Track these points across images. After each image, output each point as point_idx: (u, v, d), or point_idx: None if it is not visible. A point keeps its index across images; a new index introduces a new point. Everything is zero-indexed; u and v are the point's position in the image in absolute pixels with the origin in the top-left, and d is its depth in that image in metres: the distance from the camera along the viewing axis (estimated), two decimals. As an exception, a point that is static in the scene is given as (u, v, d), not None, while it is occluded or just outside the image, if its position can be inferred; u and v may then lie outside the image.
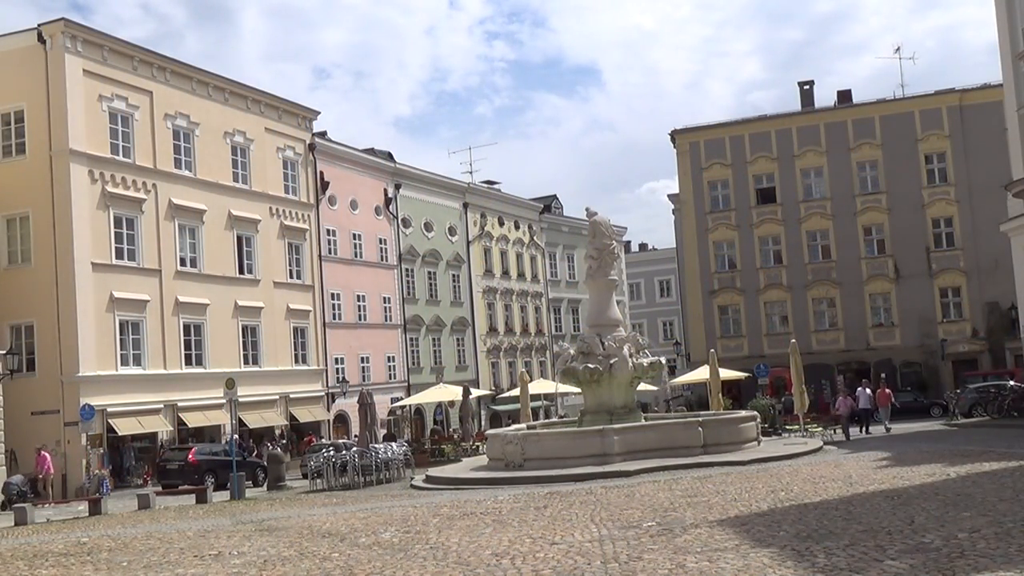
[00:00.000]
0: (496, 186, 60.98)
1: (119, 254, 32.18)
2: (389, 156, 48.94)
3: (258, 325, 37.78)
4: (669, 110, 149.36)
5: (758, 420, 23.35)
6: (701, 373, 34.68)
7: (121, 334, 31.78)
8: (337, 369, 42.21)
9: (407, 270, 48.16)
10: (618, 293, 30.85)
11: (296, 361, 39.87)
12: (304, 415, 39.30)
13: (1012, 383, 35.73)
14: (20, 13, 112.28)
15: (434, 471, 23.15)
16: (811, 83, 52.19)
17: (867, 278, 48.01)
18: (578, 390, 26.22)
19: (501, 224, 56.88)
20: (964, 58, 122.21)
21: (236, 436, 33.07)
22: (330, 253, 42.91)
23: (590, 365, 22.28)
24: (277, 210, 39.64)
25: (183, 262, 34.76)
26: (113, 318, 31.44)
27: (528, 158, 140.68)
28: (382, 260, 46.52)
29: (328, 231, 42.94)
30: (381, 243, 46.55)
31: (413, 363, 47.63)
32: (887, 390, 33.19)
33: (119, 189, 32.33)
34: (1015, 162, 27.66)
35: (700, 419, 21.86)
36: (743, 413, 24.37)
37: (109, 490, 27.16)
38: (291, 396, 38.72)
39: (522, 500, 14.76)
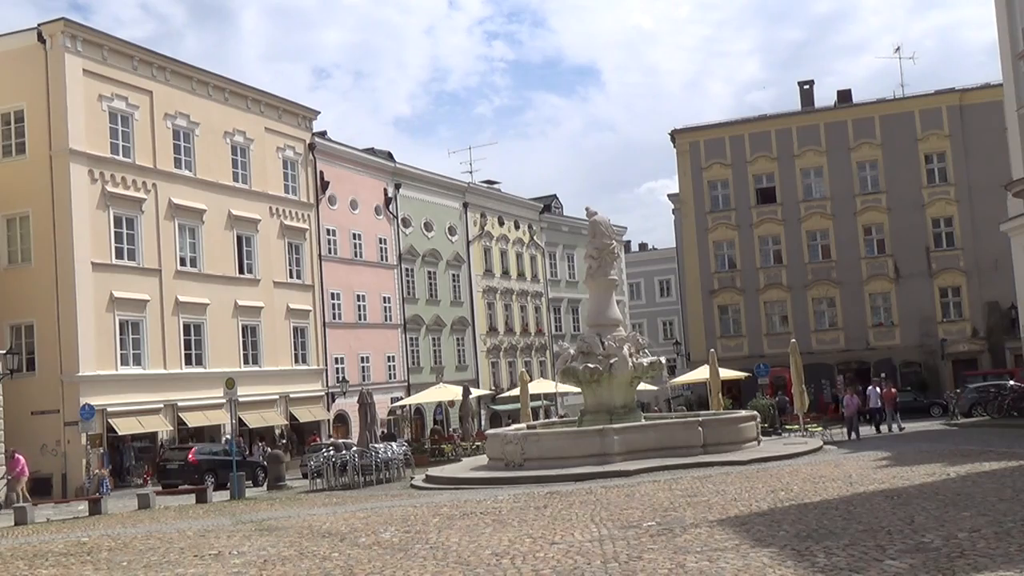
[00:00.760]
0: (496, 186, 60.98)
1: (119, 254, 32.19)
2: (389, 156, 48.93)
3: (258, 325, 37.78)
4: (669, 110, 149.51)
5: (758, 420, 23.34)
6: (701, 373, 34.66)
7: (121, 334, 31.78)
8: (337, 369, 42.22)
9: (407, 270, 48.16)
10: (618, 293, 30.82)
11: (296, 361, 39.87)
12: (304, 415, 39.31)
13: (1012, 383, 35.71)
14: (20, 13, 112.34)
15: (434, 471, 23.14)
16: (811, 83, 52.23)
17: (867, 278, 48.00)
18: (578, 390, 26.20)
19: (501, 224, 56.88)
20: (964, 58, 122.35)
21: (226, 437, 33.22)
22: (330, 253, 42.91)
23: (590, 365, 22.26)
24: (277, 210, 39.64)
25: (183, 262, 34.76)
26: (113, 318, 31.45)
27: (528, 158, 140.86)
28: (382, 260, 46.52)
29: (328, 231, 42.94)
30: (381, 243, 46.55)
31: (413, 363, 47.63)
32: (892, 389, 33.16)
33: (119, 189, 32.34)
34: (1015, 162, 27.66)
35: (700, 419, 21.83)
36: (743, 413, 24.36)
37: (109, 490, 27.18)
38: (291, 396, 38.73)
39: (522, 500, 14.76)
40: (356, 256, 44.63)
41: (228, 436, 33.36)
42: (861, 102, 50.02)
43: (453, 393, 36.96)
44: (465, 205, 53.64)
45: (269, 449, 33.26)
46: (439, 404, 44.86)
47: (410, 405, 43.24)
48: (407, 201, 48.85)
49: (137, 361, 32.34)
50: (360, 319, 44.39)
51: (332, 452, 25.42)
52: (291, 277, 40.32)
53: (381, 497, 19.09)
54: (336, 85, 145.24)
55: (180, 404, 33.30)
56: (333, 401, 41.32)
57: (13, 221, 31.39)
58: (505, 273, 56.67)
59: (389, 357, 46.25)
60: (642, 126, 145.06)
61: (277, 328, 38.79)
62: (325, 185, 42.86)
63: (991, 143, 41.12)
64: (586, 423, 22.19)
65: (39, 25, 31.14)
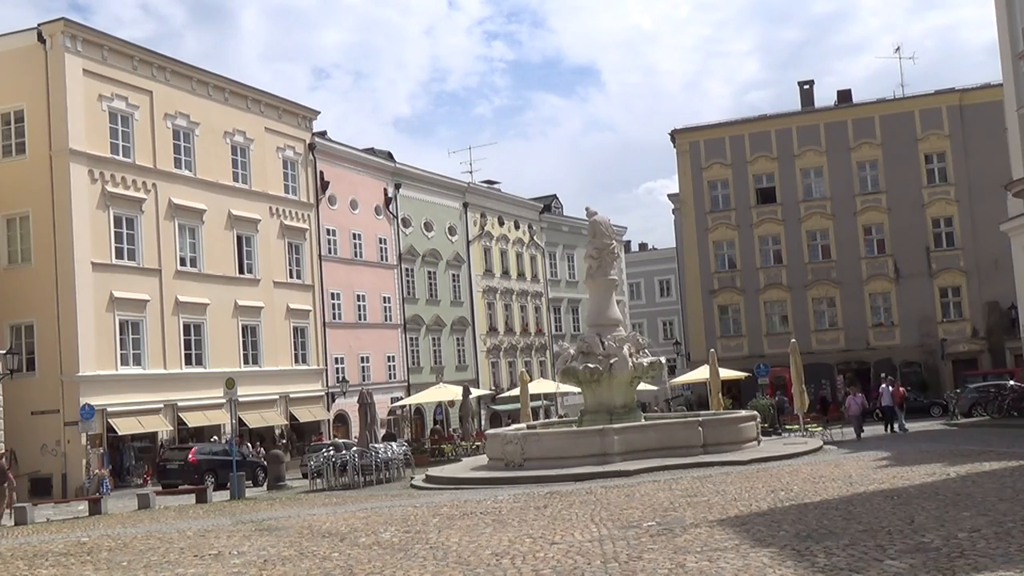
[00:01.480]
0: (496, 186, 60.96)
1: (119, 254, 32.18)
2: (389, 156, 48.92)
3: (258, 325, 37.78)
4: (668, 110, 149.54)
5: (758, 420, 23.35)
6: (701, 373, 34.66)
7: (121, 334, 31.77)
8: (337, 369, 42.21)
9: (407, 270, 48.15)
10: (618, 293, 30.84)
11: (296, 361, 39.86)
12: (304, 415, 39.30)
13: (1012, 383, 35.68)
14: (20, 13, 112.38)
15: (434, 471, 23.16)
16: (811, 83, 52.19)
17: (867, 278, 47.99)
18: (578, 390, 26.21)
19: (501, 224, 56.87)
20: (964, 58, 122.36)
21: (218, 438, 33.23)
22: (330, 253, 42.91)
23: (590, 365, 22.27)
24: (277, 210, 39.64)
25: (183, 262, 34.75)
26: (113, 318, 31.44)
27: (528, 158, 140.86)
28: (382, 260, 46.52)
29: (328, 231, 42.94)
30: (381, 243, 46.55)
31: (413, 363, 47.63)
32: (901, 389, 33.07)
33: (119, 189, 32.33)
34: (1015, 162, 27.67)
35: (700, 419, 21.84)
36: (743, 413, 24.36)
37: (109, 490, 27.18)
38: (291, 396, 38.72)
39: (522, 500, 14.76)
40: (356, 256, 44.62)
41: (215, 437, 33.40)
42: (861, 102, 50.01)
43: (453, 393, 36.96)
44: (465, 205, 53.63)
45: (263, 449, 33.29)
46: (439, 404, 44.85)
47: (410, 405, 43.23)
48: (407, 201, 48.84)
49: (137, 361, 32.33)
50: (360, 319, 44.38)
51: (332, 452, 25.42)
52: (291, 277, 40.31)
53: (381, 497, 19.09)
54: (336, 85, 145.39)
55: (180, 404, 33.29)
56: (333, 401, 41.31)
57: (13, 221, 31.38)
58: (505, 273, 56.67)
59: (389, 357, 46.24)
60: (642, 126, 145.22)
61: (277, 328, 38.79)
62: (325, 185, 42.85)
63: (991, 143, 41.10)
64: (586, 423, 22.19)
65: (39, 25, 31.14)
